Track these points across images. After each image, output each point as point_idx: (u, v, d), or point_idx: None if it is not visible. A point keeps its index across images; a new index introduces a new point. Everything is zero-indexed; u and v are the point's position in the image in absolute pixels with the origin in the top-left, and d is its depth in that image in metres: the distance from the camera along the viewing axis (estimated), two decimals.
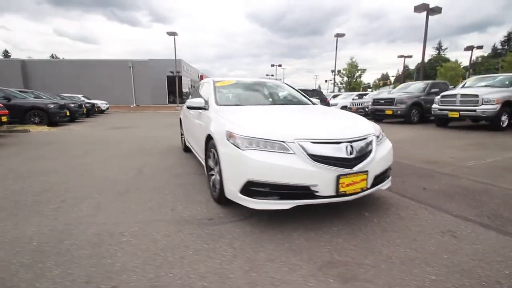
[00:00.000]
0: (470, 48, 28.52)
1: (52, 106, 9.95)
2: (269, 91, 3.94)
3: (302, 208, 2.22)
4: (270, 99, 3.77)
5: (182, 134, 5.43)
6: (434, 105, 9.52)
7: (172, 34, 23.55)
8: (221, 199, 2.51)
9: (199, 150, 3.42)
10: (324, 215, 2.38)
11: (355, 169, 2.10)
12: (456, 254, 1.82)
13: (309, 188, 2.04)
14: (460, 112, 8.51)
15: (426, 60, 73.06)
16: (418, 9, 14.52)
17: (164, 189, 3.13)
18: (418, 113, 11.09)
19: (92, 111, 15.90)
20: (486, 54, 60.16)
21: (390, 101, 11.40)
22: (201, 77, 42.54)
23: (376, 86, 59.63)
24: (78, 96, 17.86)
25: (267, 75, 54.79)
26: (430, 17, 14.84)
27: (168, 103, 31.13)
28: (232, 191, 2.23)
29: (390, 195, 2.90)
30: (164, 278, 1.56)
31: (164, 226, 2.22)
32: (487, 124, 8.52)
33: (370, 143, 2.30)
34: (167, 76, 29.70)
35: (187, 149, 5.04)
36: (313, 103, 3.71)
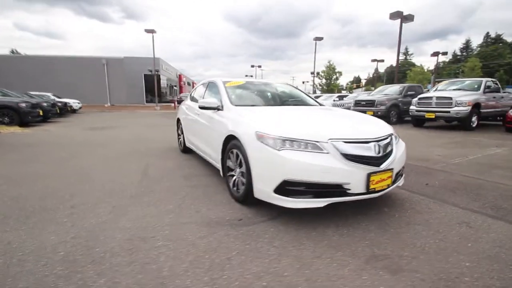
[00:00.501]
0: (436, 54, 30.79)
1: (24, 105, 9.17)
2: (278, 92, 3.98)
3: (327, 206, 2.29)
4: (283, 100, 3.82)
5: (179, 135, 5.30)
6: (412, 107, 10.17)
7: (151, 31, 22.74)
8: (247, 200, 2.51)
9: (211, 151, 3.37)
10: (348, 213, 2.47)
11: (382, 166, 2.21)
12: (478, 242, 1.99)
13: (341, 186, 2.11)
14: (436, 113, 9.18)
15: (395, 64, 77.83)
16: (393, 16, 15.42)
17: (178, 191, 3.05)
18: (396, 114, 11.78)
19: (65, 111, 14.89)
20: (447, 60, 65.31)
21: (371, 103, 11.98)
22: (180, 77, 41.61)
23: (350, 88, 62.22)
24: (47, 94, 16.60)
25: (246, 75, 54.88)
26: (400, 24, 15.81)
27: (146, 102, 30.00)
28: (264, 191, 2.24)
29: (399, 191, 3.08)
30: (220, 281, 1.54)
31: (195, 228, 2.18)
32: (459, 124, 9.28)
33: (391, 142, 2.44)
34: (145, 74, 28.59)
35: (186, 150, 4.93)
36: (321, 105, 3.82)
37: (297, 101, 3.79)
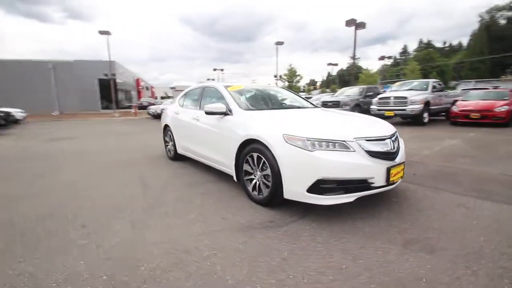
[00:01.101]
0: (382, 58, 34.11)
1: None
2: (277, 95, 4.10)
3: (343, 203, 2.47)
4: (285, 103, 3.93)
5: (167, 142, 5.09)
6: (373, 106, 11.16)
7: (105, 33, 21.09)
8: (272, 202, 2.57)
9: (219, 157, 3.33)
10: (364, 206, 2.67)
11: (396, 160, 2.47)
12: (480, 219, 2.34)
13: (366, 180, 2.30)
14: (395, 111, 10.23)
15: (344, 67, 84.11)
16: (348, 23, 16.78)
17: (192, 199, 2.97)
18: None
19: (9, 122, 13.02)
20: (389, 63, 72.69)
21: (336, 103, 12.84)
22: (138, 81, 39.27)
23: (308, 90, 65.42)
24: None
25: (208, 79, 54.08)
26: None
27: (101, 109, 27.67)
28: (296, 191, 2.33)
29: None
30: (288, 281, 1.59)
31: (231, 234, 2.17)
32: (412, 121, 10.47)
33: (398, 138, 2.73)
34: (99, 79, 26.37)
35: (177, 158, 4.76)
36: (316, 106, 4.04)
37: (298, 104, 3.94)
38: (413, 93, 10.39)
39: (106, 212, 2.65)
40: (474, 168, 4.02)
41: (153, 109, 19.06)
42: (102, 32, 21.03)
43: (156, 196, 3.09)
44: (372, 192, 2.38)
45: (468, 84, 27.28)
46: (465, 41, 78.12)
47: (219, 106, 3.25)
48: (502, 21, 60.10)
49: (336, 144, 2.28)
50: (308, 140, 2.29)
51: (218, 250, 1.94)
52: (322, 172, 2.20)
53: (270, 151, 2.49)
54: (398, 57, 75.95)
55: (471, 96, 10.76)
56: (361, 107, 12.89)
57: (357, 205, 2.67)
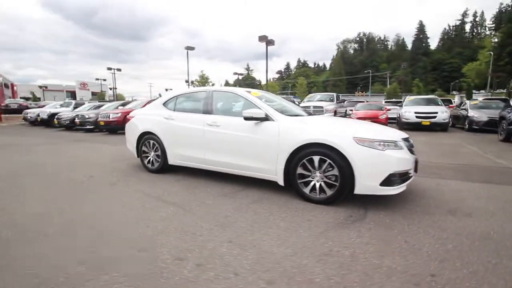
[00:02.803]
0: (279, 72, 38.96)
1: None
2: (290, 102, 4.31)
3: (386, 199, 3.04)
4: (298, 110, 4.13)
5: (146, 153, 4.32)
6: None
7: None
8: (338, 199, 2.83)
9: (257, 163, 3.24)
10: (387, 200, 3.30)
11: (414, 155, 3.24)
12: (483, 196, 3.33)
13: (408, 172, 2.93)
14: None
15: (240, 78, 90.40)
16: (261, 39, 18.49)
17: (255, 210, 2.80)
18: None
19: None
20: (277, 77, 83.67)
21: None
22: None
23: None
24: None
25: (97, 79, 45.67)
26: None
27: None
28: (370, 186, 2.69)
29: None
30: (408, 267, 1.93)
31: (334, 235, 2.29)
32: None
33: None
34: None
35: (164, 169, 4.14)
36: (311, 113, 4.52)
37: (303, 111, 4.27)
38: (325, 103, 12.66)
39: (141, 231, 2.16)
40: (437, 161, 5.51)
41: (32, 113, 14.78)
42: None
43: (212, 213, 2.72)
44: (410, 181, 3.03)
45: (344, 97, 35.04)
46: (327, 64, 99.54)
47: (258, 112, 3.20)
48: (351, 51, 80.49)
49: (393, 144, 2.79)
50: (376, 142, 2.70)
51: (349, 247, 2.04)
52: (393, 167, 2.66)
53: (339, 152, 2.74)
54: (282, 71, 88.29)
55: (359, 107, 14.12)
56: None
57: (381, 199, 3.27)
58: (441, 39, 73.18)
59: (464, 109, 12.01)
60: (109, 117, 10.81)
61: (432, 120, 10.88)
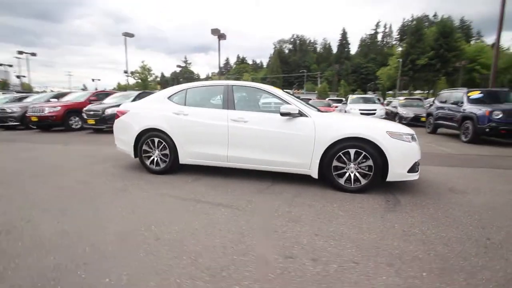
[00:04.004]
0: (221, 72, 38.46)
1: None
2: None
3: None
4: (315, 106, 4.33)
5: (148, 152, 3.87)
6: None
7: None
8: (369, 187, 3.16)
9: (290, 158, 3.31)
10: (401, 186, 3.85)
11: None
12: (461, 177, 4.15)
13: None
14: None
15: (178, 71, 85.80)
16: (214, 32, 18.00)
17: (308, 203, 2.88)
18: None
19: None
20: (216, 71, 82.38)
21: None
22: None
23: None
24: None
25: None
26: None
27: None
28: (400, 173, 3.09)
29: None
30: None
31: (399, 216, 2.60)
32: None
33: None
34: None
35: (172, 169, 3.81)
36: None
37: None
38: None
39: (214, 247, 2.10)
40: None
41: None
42: None
43: (293, 217, 2.68)
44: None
45: None
46: (264, 61, 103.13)
47: (293, 108, 3.27)
48: (286, 50, 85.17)
49: (412, 136, 3.26)
50: (403, 135, 3.12)
51: (413, 225, 2.36)
52: (416, 156, 3.13)
53: (374, 144, 3.06)
54: (222, 67, 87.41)
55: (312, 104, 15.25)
56: None
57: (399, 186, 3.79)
58: (359, 45, 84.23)
59: (394, 106, 14.34)
60: (44, 112, 8.99)
61: (373, 116, 12.65)
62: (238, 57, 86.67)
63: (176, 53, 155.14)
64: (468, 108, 7.70)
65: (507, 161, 5.17)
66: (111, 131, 9.14)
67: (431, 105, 10.60)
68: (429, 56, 48.41)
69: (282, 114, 3.26)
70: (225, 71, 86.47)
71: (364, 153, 3.10)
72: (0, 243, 2.00)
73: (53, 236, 2.10)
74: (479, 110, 7.20)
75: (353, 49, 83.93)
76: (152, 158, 3.89)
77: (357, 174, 3.18)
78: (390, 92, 51.77)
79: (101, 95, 10.80)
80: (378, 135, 3.08)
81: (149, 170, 3.92)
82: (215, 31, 17.88)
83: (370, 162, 3.10)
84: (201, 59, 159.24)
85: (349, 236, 2.18)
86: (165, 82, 79.49)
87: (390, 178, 3.12)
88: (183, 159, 3.76)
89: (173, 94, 3.93)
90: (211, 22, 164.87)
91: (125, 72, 20.75)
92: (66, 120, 9.16)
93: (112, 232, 2.19)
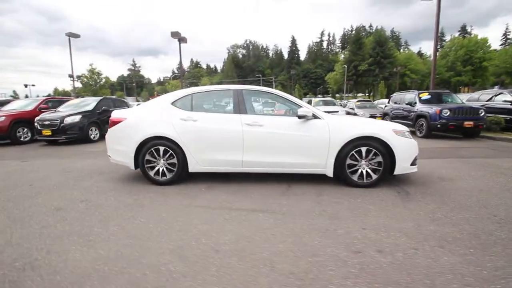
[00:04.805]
0: (175, 76, 37.05)
1: None
2: None
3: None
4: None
5: (152, 162, 3.58)
6: None
7: None
8: (379, 181, 3.46)
9: (308, 159, 3.42)
10: (400, 178, 4.26)
11: None
12: (444, 167, 4.73)
13: None
14: None
15: (125, 75, 79.94)
16: (174, 35, 17.26)
17: (326, 204, 3.01)
18: None
19: None
20: (169, 76, 79.20)
21: None
22: None
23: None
24: None
25: None
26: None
27: None
28: (404, 167, 3.44)
29: None
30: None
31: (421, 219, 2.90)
32: None
33: None
34: None
35: (179, 179, 3.61)
36: None
37: None
38: None
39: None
40: None
41: None
42: None
43: (331, 214, 2.72)
44: None
45: None
46: (218, 66, 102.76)
47: (307, 111, 3.40)
48: (240, 55, 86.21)
49: (409, 133, 3.66)
50: (405, 132, 3.49)
51: (434, 211, 2.67)
52: (416, 150, 3.51)
53: (383, 142, 3.35)
54: (176, 71, 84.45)
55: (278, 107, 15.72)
56: None
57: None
58: (307, 52, 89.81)
59: (352, 108, 15.67)
60: None
61: None
62: (192, 61, 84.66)
63: (122, 56, 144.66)
64: (420, 107, 8.86)
65: (465, 151, 6.08)
66: (70, 142, 8.20)
67: (386, 106, 11.89)
68: (369, 62, 54.05)
69: (300, 117, 3.36)
70: (179, 76, 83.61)
71: (374, 150, 3.38)
72: (31, 283, 1.67)
73: (93, 265, 1.83)
74: (430, 109, 8.36)
75: (302, 55, 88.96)
76: (156, 168, 3.61)
77: (369, 170, 3.45)
78: (338, 95, 56.41)
79: (52, 103, 9.53)
80: (387, 133, 3.39)
81: (153, 182, 3.63)
82: (175, 34, 17.21)
83: (379, 158, 3.39)
84: (150, 63, 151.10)
85: (392, 226, 2.37)
86: (111, 87, 73.49)
87: (397, 172, 3.45)
88: (194, 167, 3.58)
89: (177, 100, 3.71)
90: (160, 24, 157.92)
91: (71, 76, 18.47)
92: (12, 132, 7.83)
93: (163, 250, 2.00)
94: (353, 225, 2.39)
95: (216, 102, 3.82)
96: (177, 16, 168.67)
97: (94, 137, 8.39)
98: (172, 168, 3.60)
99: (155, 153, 3.59)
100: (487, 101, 10.12)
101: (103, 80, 29.90)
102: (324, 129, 3.42)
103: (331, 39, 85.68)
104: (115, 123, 3.72)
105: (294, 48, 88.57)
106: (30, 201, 3.11)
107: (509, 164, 4.72)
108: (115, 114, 3.84)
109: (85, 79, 27.61)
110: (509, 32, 70.05)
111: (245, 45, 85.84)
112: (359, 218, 2.54)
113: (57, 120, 7.58)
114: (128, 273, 1.72)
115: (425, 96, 9.21)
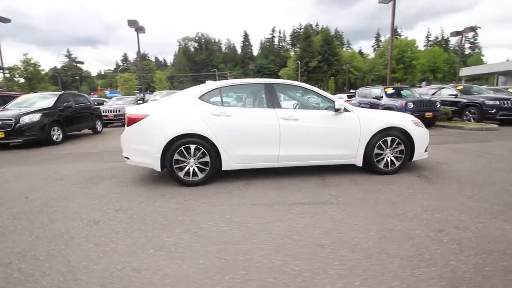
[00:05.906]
0: (127, 70, 33.83)
1: None
2: None
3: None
4: None
5: (181, 162, 3.29)
6: None
7: None
8: (402, 167, 3.80)
9: (340, 150, 3.55)
10: (414, 165, 4.70)
11: None
12: (435, 153, 5.32)
13: None
14: None
15: (59, 67, 69.90)
16: (131, 24, 15.68)
17: (370, 196, 3.19)
18: None
19: None
20: (112, 69, 71.97)
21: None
22: None
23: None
24: None
25: None
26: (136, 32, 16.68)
27: None
28: (421, 153, 3.83)
29: None
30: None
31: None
32: None
33: None
34: None
35: (210, 178, 3.42)
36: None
37: None
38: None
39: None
40: None
41: None
42: None
43: (388, 206, 2.84)
44: None
45: None
46: (168, 59, 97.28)
47: (341, 104, 3.52)
48: (192, 49, 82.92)
49: (421, 123, 4.07)
50: (419, 122, 3.88)
51: (455, 196, 3.06)
52: (428, 138, 3.94)
53: (405, 131, 3.68)
54: (120, 63, 77.20)
55: None
56: None
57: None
58: (260, 47, 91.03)
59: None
60: None
61: None
62: (138, 52, 78.13)
63: (53, 46, 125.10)
64: (387, 101, 9.84)
65: (443, 138, 6.92)
66: (26, 146, 6.89)
67: (351, 100, 12.89)
68: (318, 59, 57.46)
69: (336, 110, 3.46)
70: (124, 67, 76.59)
71: (397, 140, 3.69)
72: None
73: (207, 277, 1.64)
74: (396, 102, 9.35)
75: (255, 50, 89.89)
76: (186, 168, 3.33)
77: (392, 158, 3.75)
78: None
79: None
80: (408, 123, 3.73)
81: (183, 183, 3.35)
82: (133, 23, 15.65)
83: (402, 147, 3.71)
84: (87, 54, 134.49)
85: (444, 206, 2.65)
86: (51, 79, 63.93)
87: (414, 158, 3.83)
88: (228, 164, 3.41)
89: (205, 94, 3.47)
90: (98, 10, 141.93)
91: (0, 68, 15.30)
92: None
93: (266, 252, 1.89)
94: (414, 208, 2.60)
95: (245, 96, 3.67)
96: (118, 1, 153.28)
97: (57, 138, 7.25)
98: (204, 167, 3.37)
99: (184, 152, 3.31)
100: (432, 94, 11.74)
101: (42, 72, 25.52)
102: (355, 122, 3.59)
103: (281, 35, 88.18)
104: (135, 120, 3.30)
105: (247, 43, 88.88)
106: (48, 216, 2.58)
107: (478, 147, 5.61)
108: (133, 110, 3.40)
109: (19, 71, 23.07)
110: (430, 35, 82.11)
111: (197, 38, 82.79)
112: (411, 202, 2.77)
113: (11, 120, 6.33)
114: (258, 279, 1.59)
115: (390, 90, 10.27)
